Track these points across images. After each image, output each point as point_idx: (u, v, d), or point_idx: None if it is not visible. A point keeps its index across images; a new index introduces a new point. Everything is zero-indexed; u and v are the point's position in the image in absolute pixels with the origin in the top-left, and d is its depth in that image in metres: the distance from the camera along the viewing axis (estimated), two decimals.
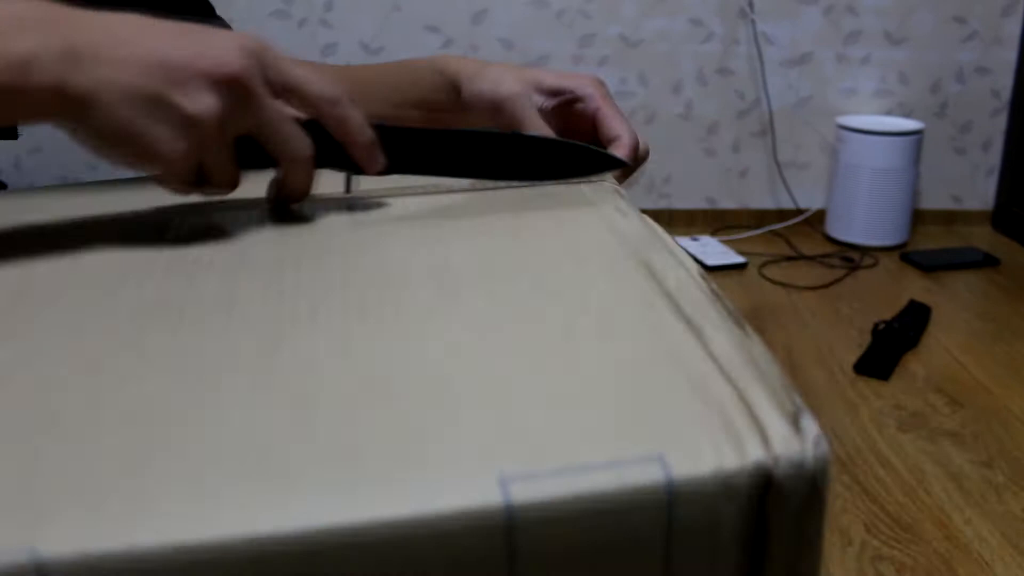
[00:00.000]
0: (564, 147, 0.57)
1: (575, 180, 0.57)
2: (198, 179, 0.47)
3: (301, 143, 0.48)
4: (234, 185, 0.49)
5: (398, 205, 0.52)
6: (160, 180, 0.47)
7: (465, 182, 0.58)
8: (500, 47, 2.57)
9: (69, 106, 0.42)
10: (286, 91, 0.47)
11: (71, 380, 0.33)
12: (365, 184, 0.58)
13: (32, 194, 0.59)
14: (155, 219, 0.51)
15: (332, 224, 0.49)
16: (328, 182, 0.60)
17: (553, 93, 0.65)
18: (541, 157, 0.57)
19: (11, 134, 0.64)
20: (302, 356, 0.34)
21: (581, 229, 0.48)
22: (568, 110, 0.65)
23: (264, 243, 0.46)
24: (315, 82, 0.48)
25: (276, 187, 0.51)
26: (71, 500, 0.27)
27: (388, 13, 2.51)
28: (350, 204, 0.53)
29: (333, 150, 0.51)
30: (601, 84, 0.65)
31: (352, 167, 0.52)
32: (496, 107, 0.65)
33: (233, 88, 0.45)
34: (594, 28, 2.58)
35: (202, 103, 0.44)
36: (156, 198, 0.55)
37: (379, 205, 0.52)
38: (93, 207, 0.53)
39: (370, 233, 0.48)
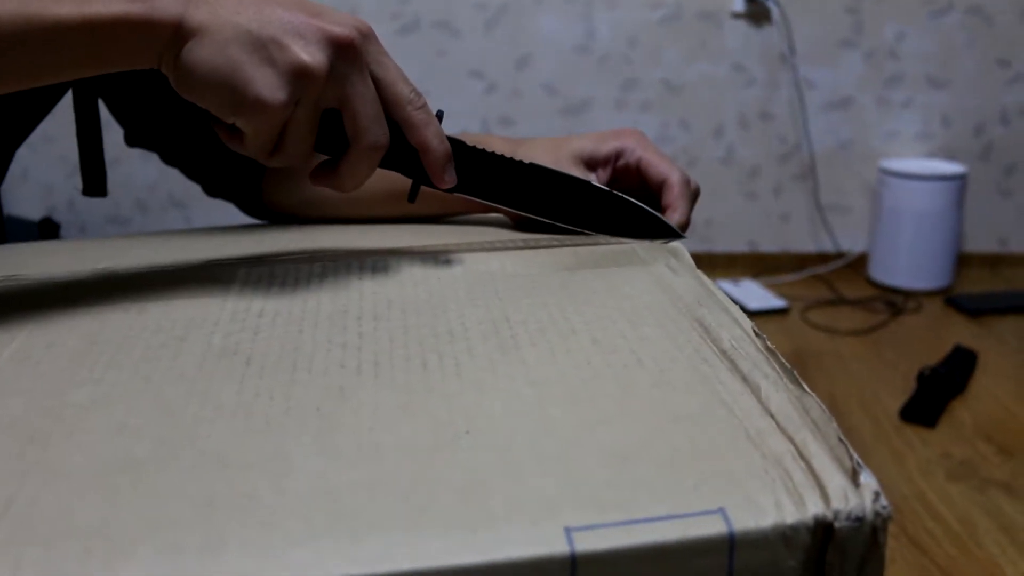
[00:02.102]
0: (631, 208, 0.58)
1: (630, 240, 0.58)
2: (273, 145, 0.47)
3: (382, 131, 0.48)
4: (304, 160, 0.49)
5: (456, 261, 0.54)
6: (239, 139, 0.47)
7: (519, 238, 0.59)
8: (543, 92, 2.60)
9: (182, 38, 0.43)
10: (378, 82, 0.48)
11: (144, 425, 0.35)
12: (426, 238, 0.59)
13: (101, 243, 0.61)
14: (220, 270, 0.52)
15: (392, 279, 0.50)
16: (384, 237, 0.62)
17: (596, 162, 0.64)
18: (606, 211, 0.58)
19: (101, 191, 0.66)
20: (367, 407, 0.36)
21: (634, 287, 0.48)
22: (614, 167, 0.65)
23: (326, 296, 0.48)
24: (406, 82, 0.49)
25: (328, 173, 0.50)
26: (148, 539, 0.28)
27: (432, 58, 2.55)
28: (409, 259, 0.54)
29: (403, 155, 0.51)
30: (640, 134, 0.64)
31: (420, 176, 0.52)
32: None
33: (345, 52, 0.46)
34: (636, 73, 2.60)
35: (315, 55, 0.44)
36: (221, 248, 0.57)
37: (437, 261, 0.54)
38: (161, 256, 0.55)
39: (430, 288, 0.49)
